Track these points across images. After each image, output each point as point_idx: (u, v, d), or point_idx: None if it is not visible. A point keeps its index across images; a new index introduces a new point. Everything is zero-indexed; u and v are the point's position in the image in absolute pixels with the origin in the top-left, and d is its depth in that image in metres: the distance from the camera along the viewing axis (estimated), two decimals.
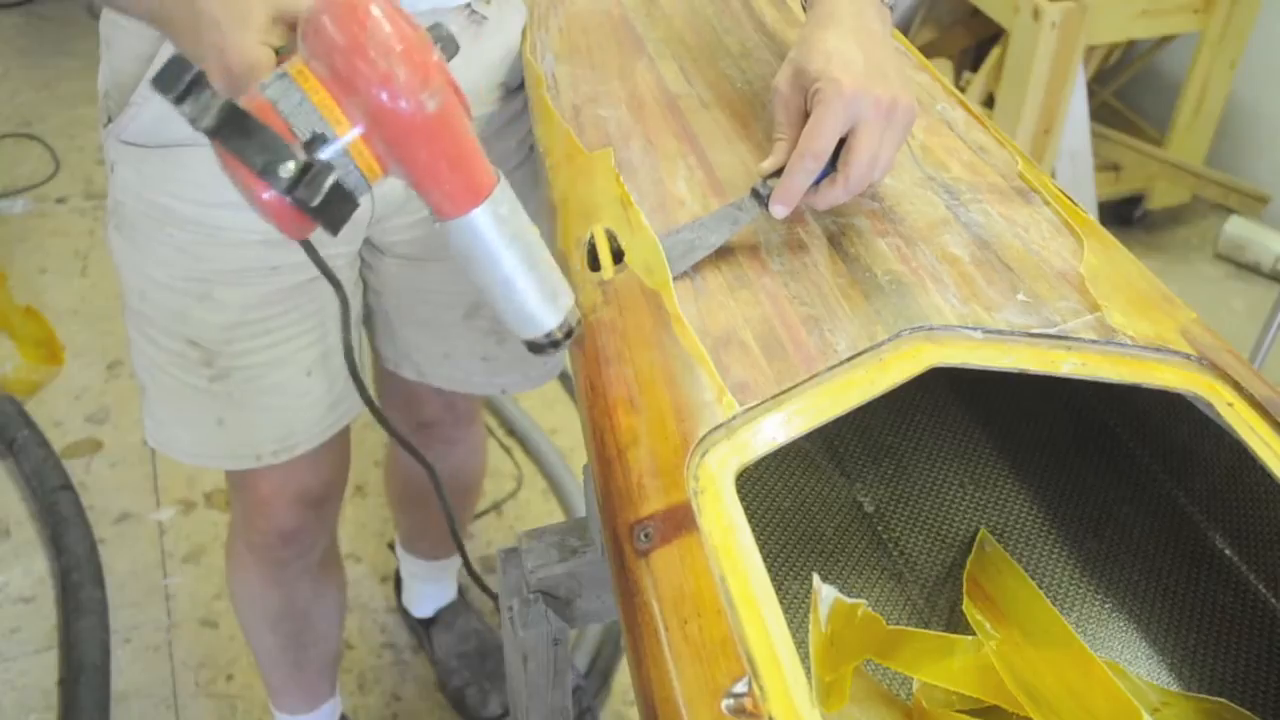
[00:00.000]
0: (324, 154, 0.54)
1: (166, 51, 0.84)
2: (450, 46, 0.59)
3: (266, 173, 0.53)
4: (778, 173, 0.75)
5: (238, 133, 0.53)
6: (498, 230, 0.60)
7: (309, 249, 0.73)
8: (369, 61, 0.53)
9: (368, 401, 0.87)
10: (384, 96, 0.54)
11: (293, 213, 0.55)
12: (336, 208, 0.55)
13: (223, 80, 0.59)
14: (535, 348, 0.66)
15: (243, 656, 1.64)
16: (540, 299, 0.63)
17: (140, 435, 1.98)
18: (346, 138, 0.55)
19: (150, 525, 1.85)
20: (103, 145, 0.93)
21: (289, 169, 0.53)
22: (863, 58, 0.74)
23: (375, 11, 0.54)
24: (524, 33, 1.00)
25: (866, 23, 0.78)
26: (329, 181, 0.53)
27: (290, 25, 0.61)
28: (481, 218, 0.59)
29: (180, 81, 0.54)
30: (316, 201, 0.53)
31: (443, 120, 0.55)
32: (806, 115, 0.75)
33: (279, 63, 0.58)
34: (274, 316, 0.97)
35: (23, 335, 2.17)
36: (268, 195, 0.54)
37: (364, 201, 0.59)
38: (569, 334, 0.65)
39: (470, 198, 0.59)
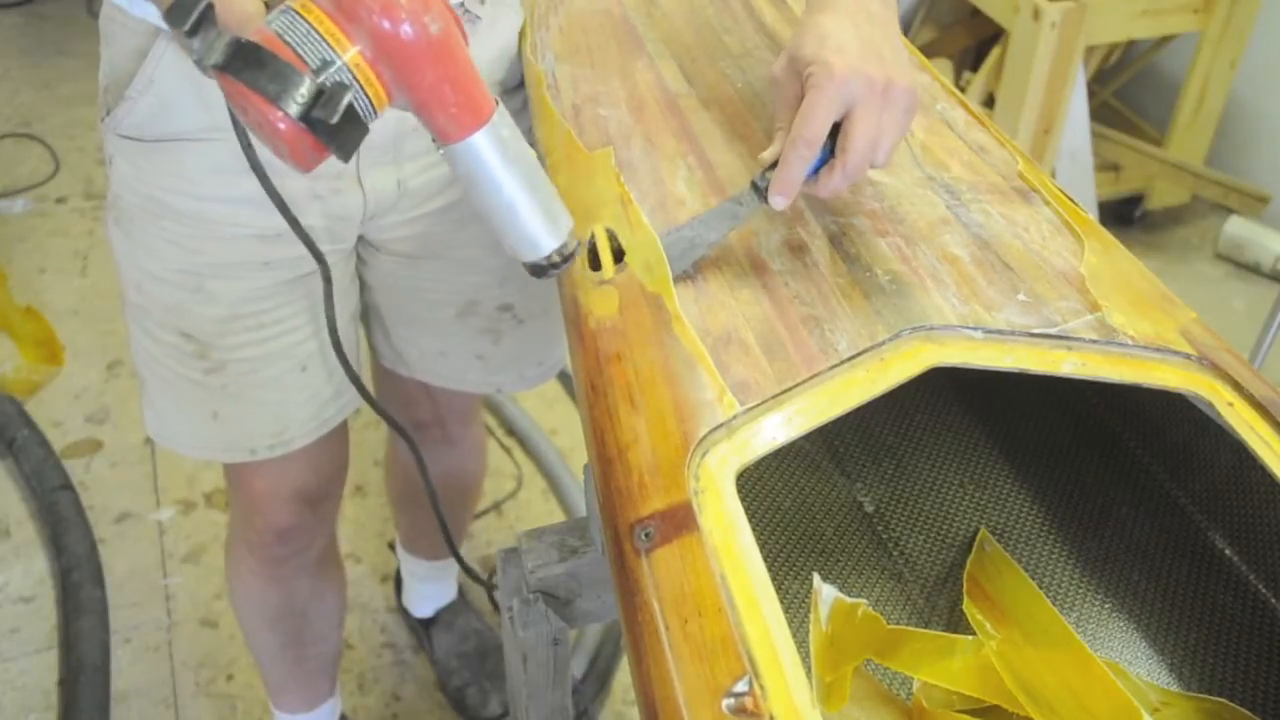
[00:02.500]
0: (334, 79, 0.56)
1: (161, 48, 0.84)
2: None
3: (281, 99, 0.54)
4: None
5: (249, 64, 0.55)
6: (500, 152, 0.62)
7: (293, 223, 0.74)
8: None
9: (353, 379, 0.88)
10: (386, 23, 0.56)
11: (307, 139, 0.56)
12: (349, 131, 0.57)
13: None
14: (536, 270, 0.67)
15: (243, 656, 1.64)
16: (541, 221, 0.65)
17: (140, 435, 1.99)
18: (354, 62, 0.57)
19: (150, 525, 1.85)
20: (102, 139, 0.94)
21: (303, 94, 0.55)
22: (857, 39, 0.73)
23: None
24: (523, 32, 1.00)
25: (866, 3, 0.76)
26: (345, 99, 0.55)
27: None
28: (484, 140, 0.61)
29: (190, 14, 0.56)
30: (335, 119, 0.55)
31: (445, 44, 0.57)
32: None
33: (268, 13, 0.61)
34: (267, 311, 0.97)
35: (23, 335, 2.17)
36: (283, 123, 0.55)
37: (371, 130, 0.60)
38: (568, 257, 0.67)
39: (473, 120, 0.60)
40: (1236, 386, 0.70)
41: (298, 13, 0.56)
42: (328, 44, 0.56)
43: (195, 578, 1.77)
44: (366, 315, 1.17)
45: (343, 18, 0.56)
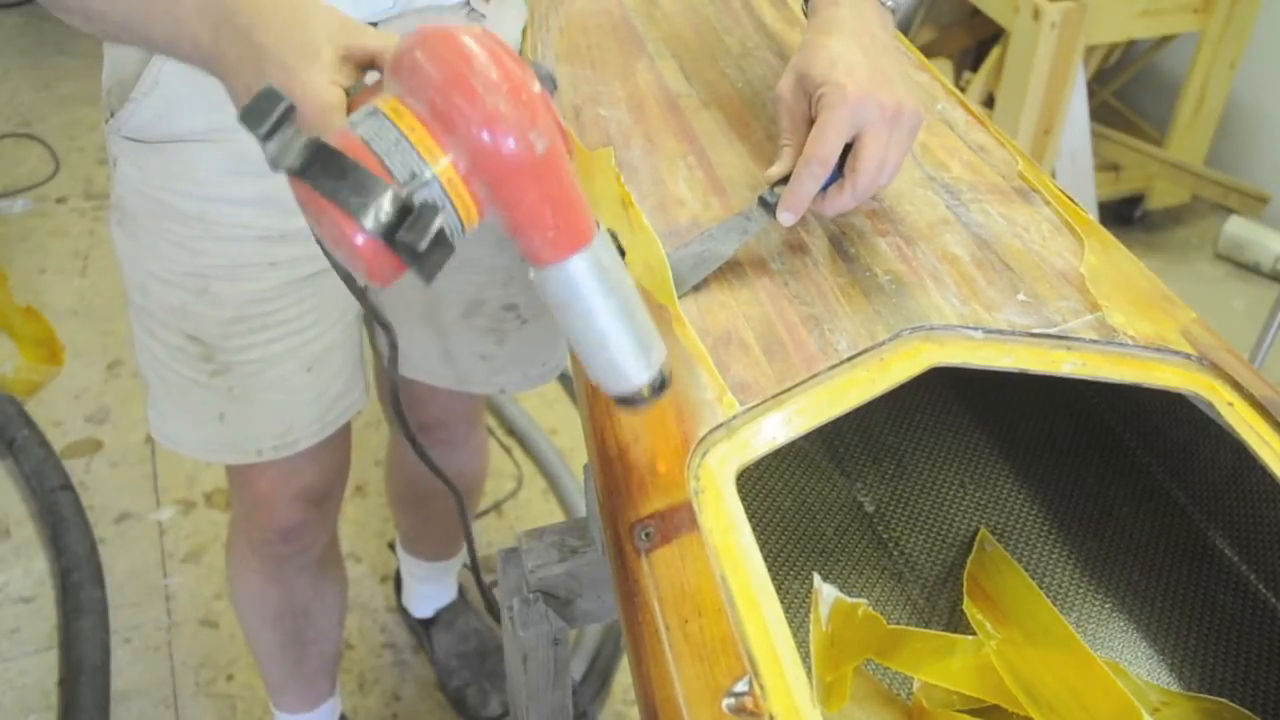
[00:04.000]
0: (423, 195, 0.50)
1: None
2: (549, 84, 0.55)
3: (362, 214, 0.49)
4: (785, 180, 0.75)
5: (328, 172, 0.49)
6: (598, 279, 0.55)
7: (360, 296, 0.69)
8: (473, 99, 0.49)
9: (410, 438, 0.83)
10: (487, 137, 0.50)
11: (387, 258, 0.51)
12: (435, 254, 0.50)
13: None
14: (624, 402, 0.61)
15: (243, 656, 1.64)
16: (635, 353, 0.58)
17: (140, 435, 1.99)
18: (446, 177, 0.51)
19: (150, 525, 1.85)
20: (106, 141, 0.94)
21: (386, 211, 0.49)
22: (866, 63, 0.74)
23: (476, 46, 0.50)
24: (524, 33, 1.00)
25: (868, 27, 0.78)
26: (436, 223, 0.49)
27: (359, 65, 0.58)
28: (581, 265, 0.54)
29: (269, 116, 0.50)
30: (423, 245, 0.49)
31: (550, 162, 0.51)
32: (811, 121, 0.75)
33: (349, 107, 0.56)
34: (273, 312, 0.97)
35: (23, 335, 2.17)
36: (361, 239, 0.49)
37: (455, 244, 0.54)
38: (659, 389, 0.60)
39: (572, 242, 0.54)
40: (1236, 386, 0.70)
41: (387, 117, 0.50)
42: (418, 155, 0.50)
43: (195, 578, 1.77)
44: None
45: (438, 126, 0.50)
